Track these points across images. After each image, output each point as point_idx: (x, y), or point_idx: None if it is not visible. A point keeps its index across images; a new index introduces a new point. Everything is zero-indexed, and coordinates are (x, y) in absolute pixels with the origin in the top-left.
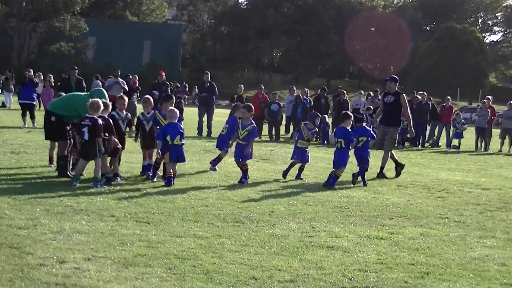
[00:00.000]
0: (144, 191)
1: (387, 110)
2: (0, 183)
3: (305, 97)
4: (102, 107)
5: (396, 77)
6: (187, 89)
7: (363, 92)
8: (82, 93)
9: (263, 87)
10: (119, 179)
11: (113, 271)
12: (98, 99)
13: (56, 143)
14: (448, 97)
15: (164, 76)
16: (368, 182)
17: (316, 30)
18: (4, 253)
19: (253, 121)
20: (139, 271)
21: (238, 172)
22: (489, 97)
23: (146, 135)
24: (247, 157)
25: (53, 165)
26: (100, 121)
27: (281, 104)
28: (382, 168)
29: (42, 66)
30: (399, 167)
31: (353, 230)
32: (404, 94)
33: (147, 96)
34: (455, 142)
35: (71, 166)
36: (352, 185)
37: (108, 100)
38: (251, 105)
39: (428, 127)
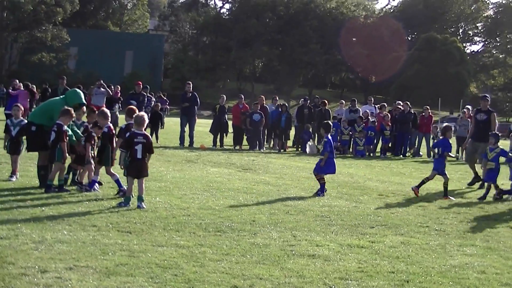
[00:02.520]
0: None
1: (479, 127)
2: None
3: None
4: (147, 121)
5: (488, 96)
6: (167, 100)
7: (344, 102)
8: (57, 98)
9: (243, 97)
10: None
11: (95, 281)
12: (144, 113)
13: (38, 153)
14: (427, 106)
15: (141, 86)
16: (348, 191)
17: (298, 40)
18: None
19: (328, 136)
20: (121, 280)
21: (219, 182)
22: (469, 106)
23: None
24: (323, 170)
25: (15, 177)
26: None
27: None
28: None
29: (24, 76)
30: (476, 179)
31: (334, 238)
32: (495, 113)
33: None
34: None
35: (73, 179)
36: (331, 195)
37: (84, 99)
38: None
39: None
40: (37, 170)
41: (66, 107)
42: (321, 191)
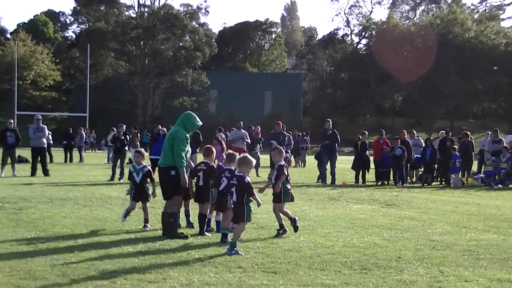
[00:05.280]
0: (270, 241)
1: None
2: (127, 235)
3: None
4: (254, 162)
5: None
6: (308, 138)
7: (489, 133)
8: (173, 129)
9: (384, 132)
10: None
11: None
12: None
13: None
14: None
15: (281, 126)
16: (496, 224)
17: (437, 72)
18: None
19: None
20: None
21: (363, 219)
22: None
23: None
24: None
25: (148, 226)
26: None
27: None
28: None
29: (166, 121)
30: None
31: (483, 273)
32: None
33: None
34: None
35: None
36: (478, 228)
37: (200, 123)
38: None
39: None
40: (162, 218)
41: (230, 152)
42: None
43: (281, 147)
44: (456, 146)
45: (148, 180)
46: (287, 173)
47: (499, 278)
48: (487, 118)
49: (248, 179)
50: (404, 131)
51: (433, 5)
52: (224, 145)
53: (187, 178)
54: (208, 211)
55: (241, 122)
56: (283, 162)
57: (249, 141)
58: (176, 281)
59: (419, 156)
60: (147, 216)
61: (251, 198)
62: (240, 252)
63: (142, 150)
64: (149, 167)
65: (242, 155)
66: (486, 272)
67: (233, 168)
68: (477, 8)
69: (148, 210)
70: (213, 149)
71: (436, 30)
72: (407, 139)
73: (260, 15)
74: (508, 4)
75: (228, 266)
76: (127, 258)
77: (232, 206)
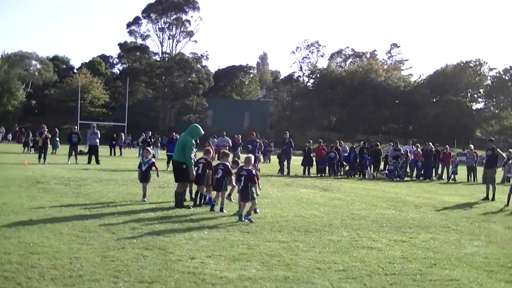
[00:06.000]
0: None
1: (487, 160)
2: (150, 205)
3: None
4: (253, 161)
5: (493, 138)
6: (272, 144)
7: (391, 144)
8: (183, 135)
9: (322, 141)
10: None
11: (226, 265)
12: (251, 156)
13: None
14: (447, 146)
15: (255, 135)
16: (394, 204)
17: (359, 102)
18: (155, 253)
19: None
20: (243, 265)
21: (307, 198)
22: (471, 146)
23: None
24: None
25: (145, 199)
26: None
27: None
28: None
29: (178, 130)
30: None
31: (385, 236)
32: (498, 149)
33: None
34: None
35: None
36: (383, 206)
37: (202, 132)
38: None
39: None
40: (175, 195)
41: (224, 151)
42: None
43: (251, 155)
44: (366, 152)
45: (153, 168)
46: (257, 178)
47: (395, 239)
48: (391, 134)
49: (254, 172)
50: (337, 141)
51: (357, 59)
52: (211, 148)
53: (194, 173)
54: (205, 190)
55: (225, 132)
56: (253, 170)
57: (231, 145)
58: (182, 236)
59: (346, 155)
60: (145, 192)
61: (253, 185)
62: (252, 219)
63: (149, 149)
64: (153, 160)
65: (246, 156)
66: (387, 235)
67: (226, 163)
68: (386, 62)
69: (147, 190)
70: (211, 150)
71: (359, 75)
72: (338, 146)
73: (242, 61)
74: (406, 60)
75: (216, 227)
76: (149, 220)
77: (241, 190)
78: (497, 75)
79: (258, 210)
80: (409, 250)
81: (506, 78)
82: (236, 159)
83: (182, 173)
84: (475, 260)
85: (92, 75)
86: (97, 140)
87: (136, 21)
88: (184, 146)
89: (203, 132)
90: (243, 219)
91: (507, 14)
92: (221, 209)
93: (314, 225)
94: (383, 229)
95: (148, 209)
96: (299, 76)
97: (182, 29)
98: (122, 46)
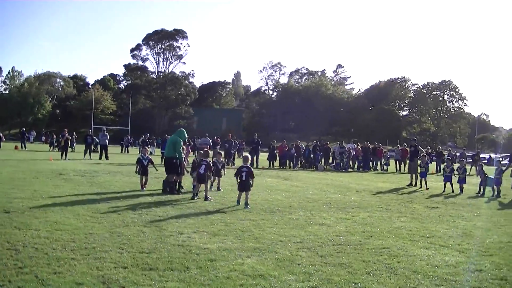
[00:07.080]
0: (222, 198)
1: (411, 154)
2: (148, 192)
3: (302, 145)
4: (249, 159)
5: (415, 138)
6: (244, 143)
7: (338, 143)
8: (174, 136)
9: (285, 141)
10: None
11: (207, 238)
12: (248, 155)
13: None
14: (380, 143)
15: (230, 136)
16: (340, 190)
17: (312, 110)
18: (152, 229)
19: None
20: (221, 239)
21: (272, 186)
22: (399, 145)
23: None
24: None
25: (144, 189)
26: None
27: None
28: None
29: (170, 132)
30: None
31: (332, 215)
32: (419, 146)
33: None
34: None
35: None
36: (331, 191)
37: (186, 136)
38: None
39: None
40: (164, 184)
41: (206, 149)
42: None
43: (248, 155)
44: (318, 149)
45: (150, 165)
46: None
47: (341, 217)
48: (337, 135)
49: (251, 169)
50: (298, 140)
51: (311, 76)
52: (191, 146)
53: (185, 164)
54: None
55: (207, 134)
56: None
57: (211, 144)
58: (173, 216)
59: (302, 152)
60: (146, 184)
61: (252, 179)
62: (249, 207)
63: (147, 147)
64: (151, 157)
65: (244, 155)
66: (334, 214)
67: (207, 160)
68: (333, 78)
69: (148, 180)
70: (209, 151)
71: (312, 89)
72: (298, 145)
73: (221, 77)
74: (349, 77)
75: (200, 210)
76: (148, 204)
77: (242, 182)
78: (418, 89)
79: (248, 206)
80: (351, 225)
81: (424, 91)
82: (219, 151)
83: (172, 166)
84: (402, 232)
85: (103, 89)
86: (107, 141)
87: (137, 47)
88: (175, 144)
89: (187, 135)
90: (247, 206)
91: (426, 41)
92: (206, 198)
93: (278, 207)
94: (331, 209)
95: (146, 195)
96: (266, 89)
97: (173, 53)
98: (127, 66)
